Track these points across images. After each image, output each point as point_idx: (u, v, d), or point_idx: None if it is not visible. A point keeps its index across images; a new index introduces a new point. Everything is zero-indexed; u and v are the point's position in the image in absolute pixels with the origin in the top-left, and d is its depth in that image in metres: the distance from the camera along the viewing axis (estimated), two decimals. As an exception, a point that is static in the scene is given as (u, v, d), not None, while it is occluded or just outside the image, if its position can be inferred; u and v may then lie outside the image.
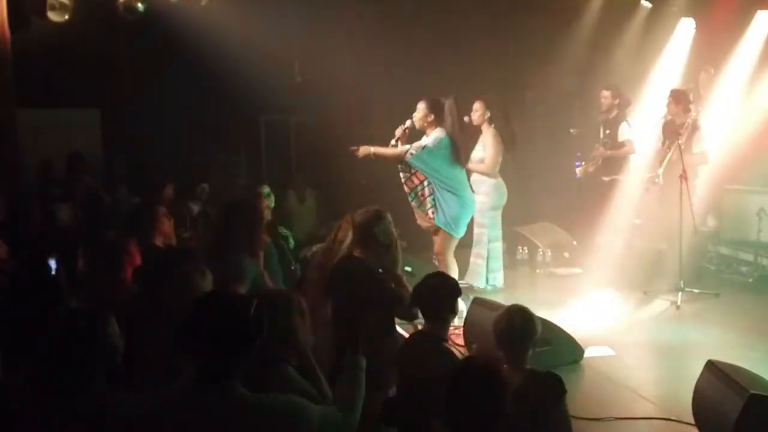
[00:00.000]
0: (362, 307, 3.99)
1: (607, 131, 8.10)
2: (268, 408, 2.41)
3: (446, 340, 3.82)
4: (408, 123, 6.43)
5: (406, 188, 6.46)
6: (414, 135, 6.47)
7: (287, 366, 3.13)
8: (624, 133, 7.98)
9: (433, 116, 6.36)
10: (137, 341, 3.48)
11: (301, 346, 3.22)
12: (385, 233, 4.49)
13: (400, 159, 6.35)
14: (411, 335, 4.14)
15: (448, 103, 6.38)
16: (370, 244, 4.46)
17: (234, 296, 2.54)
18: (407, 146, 6.34)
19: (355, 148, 6.40)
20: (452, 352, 3.92)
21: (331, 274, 4.57)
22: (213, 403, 2.37)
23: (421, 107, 6.40)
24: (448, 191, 6.42)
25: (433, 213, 6.38)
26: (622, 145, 8.00)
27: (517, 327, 3.47)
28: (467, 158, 6.60)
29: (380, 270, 4.46)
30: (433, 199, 6.40)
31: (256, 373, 2.68)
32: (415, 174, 6.40)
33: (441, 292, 3.78)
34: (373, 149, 6.37)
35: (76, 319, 2.80)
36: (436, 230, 6.49)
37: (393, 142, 6.41)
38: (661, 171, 7.28)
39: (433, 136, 6.34)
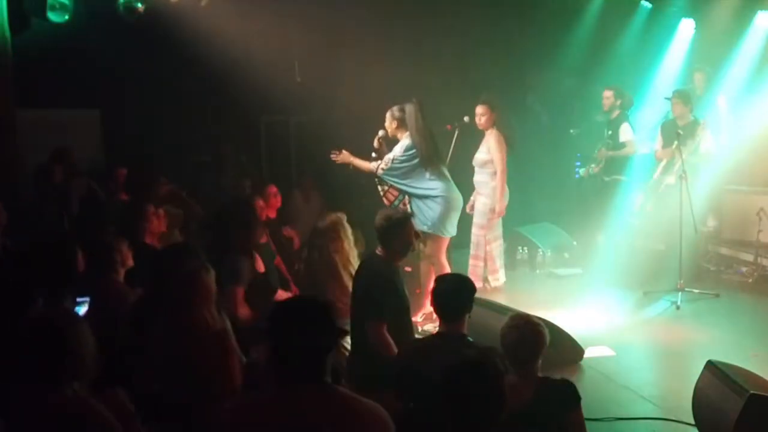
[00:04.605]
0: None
1: (609, 132, 8.11)
2: (369, 407, 2.42)
3: (467, 337, 3.76)
4: (381, 133, 6.52)
5: (385, 201, 6.49)
6: (393, 143, 6.52)
7: None
8: (625, 133, 7.99)
9: (396, 123, 6.42)
10: (147, 340, 3.48)
11: None
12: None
13: (373, 173, 6.42)
14: (429, 339, 4.09)
15: (408, 108, 6.40)
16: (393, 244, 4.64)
17: (320, 300, 2.56)
18: (378, 162, 6.41)
19: (336, 152, 6.45)
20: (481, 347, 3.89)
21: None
22: (320, 401, 2.37)
23: (387, 116, 6.48)
24: (426, 197, 6.42)
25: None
26: (623, 145, 8.01)
27: (528, 341, 3.31)
28: (430, 158, 6.43)
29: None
30: (411, 208, 6.41)
31: None
32: (392, 187, 6.47)
33: (458, 291, 3.74)
34: (351, 159, 6.47)
35: None
36: (424, 235, 6.51)
37: (373, 154, 6.49)
38: (677, 172, 7.23)
39: (400, 144, 6.43)
